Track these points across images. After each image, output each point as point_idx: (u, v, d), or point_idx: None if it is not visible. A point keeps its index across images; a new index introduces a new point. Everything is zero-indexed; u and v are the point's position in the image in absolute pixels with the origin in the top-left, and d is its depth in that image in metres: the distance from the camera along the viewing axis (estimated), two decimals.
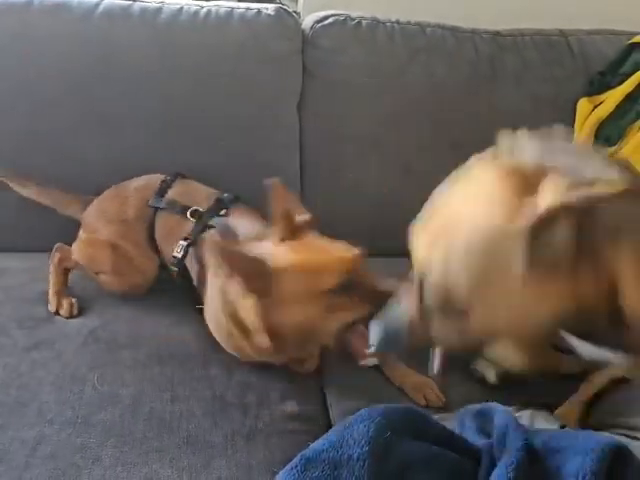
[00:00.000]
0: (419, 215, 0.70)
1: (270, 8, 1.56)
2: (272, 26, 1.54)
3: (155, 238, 1.34)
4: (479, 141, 1.75)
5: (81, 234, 1.41)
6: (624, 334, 0.56)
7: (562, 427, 1.01)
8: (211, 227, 1.27)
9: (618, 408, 1.00)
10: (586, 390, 1.07)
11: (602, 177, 0.54)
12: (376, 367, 1.20)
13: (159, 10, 1.51)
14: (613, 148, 1.62)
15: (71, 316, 1.29)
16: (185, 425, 1.04)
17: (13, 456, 0.95)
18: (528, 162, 0.59)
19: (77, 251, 1.39)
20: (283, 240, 1.08)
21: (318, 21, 1.59)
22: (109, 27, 1.49)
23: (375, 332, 0.84)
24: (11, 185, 1.45)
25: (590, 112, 1.65)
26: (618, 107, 1.62)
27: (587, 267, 0.52)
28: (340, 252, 1.06)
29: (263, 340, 1.08)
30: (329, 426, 1.11)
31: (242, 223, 1.25)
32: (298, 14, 1.65)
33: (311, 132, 1.61)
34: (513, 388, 1.13)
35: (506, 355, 1.10)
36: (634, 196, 0.52)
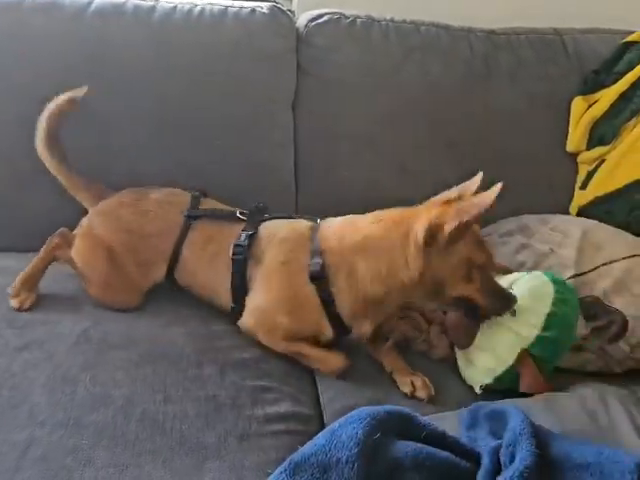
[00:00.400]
0: None
1: (264, 6, 1.55)
2: (266, 24, 1.53)
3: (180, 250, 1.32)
4: (474, 140, 1.78)
5: (84, 230, 1.36)
6: None
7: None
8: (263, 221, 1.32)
9: None
10: None
11: None
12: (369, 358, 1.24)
13: (153, 9, 1.51)
14: (607, 147, 1.62)
15: (20, 309, 1.27)
16: (178, 426, 1.03)
17: (3, 458, 0.94)
18: None
19: (76, 247, 1.35)
20: None
21: (312, 19, 1.59)
22: (102, 26, 1.48)
23: None
24: (41, 147, 1.37)
25: (585, 111, 1.66)
26: (612, 106, 1.62)
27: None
28: None
29: None
30: (323, 426, 1.10)
31: None
32: (293, 12, 1.65)
33: (306, 131, 1.61)
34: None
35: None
36: None
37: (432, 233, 1.13)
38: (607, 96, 1.63)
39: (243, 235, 1.29)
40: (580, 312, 1.21)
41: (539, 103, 1.66)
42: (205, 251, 1.32)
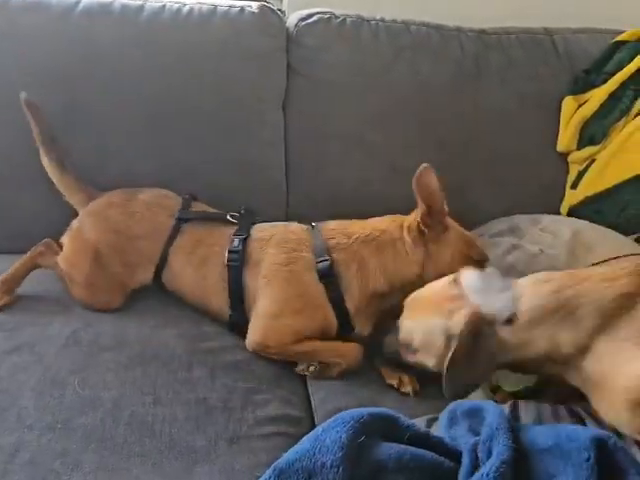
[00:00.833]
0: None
1: (254, 6, 1.54)
2: (256, 24, 1.53)
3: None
4: (464, 139, 1.78)
5: (74, 232, 1.36)
6: None
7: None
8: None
9: None
10: None
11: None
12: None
13: (141, 8, 1.50)
14: (597, 147, 1.62)
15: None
16: (168, 429, 1.03)
17: None
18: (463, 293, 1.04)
19: (63, 251, 1.35)
20: None
21: (302, 19, 1.58)
22: (89, 25, 1.47)
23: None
24: (42, 149, 1.38)
25: (575, 110, 1.66)
26: (602, 106, 1.62)
27: None
28: None
29: None
30: (314, 428, 1.10)
31: None
32: (283, 12, 1.64)
33: (296, 130, 1.60)
34: None
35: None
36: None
37: (417, 228, 1.23)
38: (597, 96, 1.63)
39: (236, 240, 1.28)
40: None
41: (529, 103, 1.66)
42: (194, 255, 1.31)
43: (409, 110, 1.61)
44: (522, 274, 1.08)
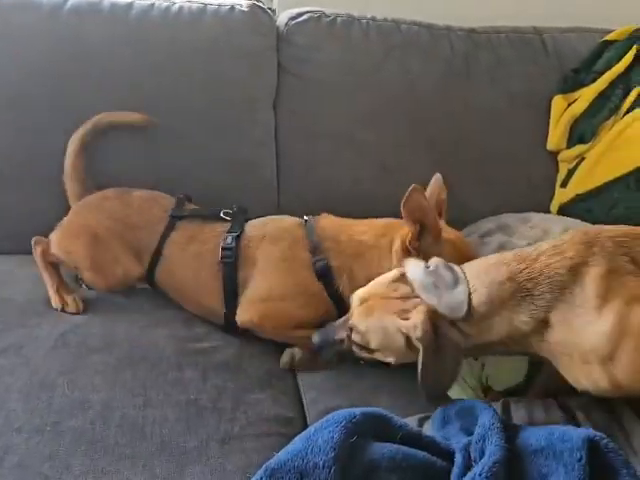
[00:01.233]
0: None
1: (244, 4, 1.54)
2: (246, 22, 1.52)
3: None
4: (454, 138, 1.77)
5: (64, 225, 1.36)
6: None
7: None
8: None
9: None
10: None
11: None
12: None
13: (130, 6, 1.49)
14: (587, 145, 1.63)
15: (78, 312, 1.28)
16: (158, 431, 1.02)
17: None
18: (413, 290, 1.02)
19: (54, 242, 1.35)
20: None
21: (293, 18, 1.58)
22: (78, 24, 1.46)
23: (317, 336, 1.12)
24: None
25: (565, 109, 1.67)
26: (591, 105, 1.63)
27: None
28: None
29: None
30: (306, 428, 1.09)
31: None
32: (273, 11, 1.63)
33: (287, 129, 1.60)
34: None
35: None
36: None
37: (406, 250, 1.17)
38: (586, 95, 1.64)
39: (229, 237, 1.28)
40: None
41: (519, 102, 1.67)
42: (188, 251, 1.31)
43: (399, 109, 1.61)
44: None
